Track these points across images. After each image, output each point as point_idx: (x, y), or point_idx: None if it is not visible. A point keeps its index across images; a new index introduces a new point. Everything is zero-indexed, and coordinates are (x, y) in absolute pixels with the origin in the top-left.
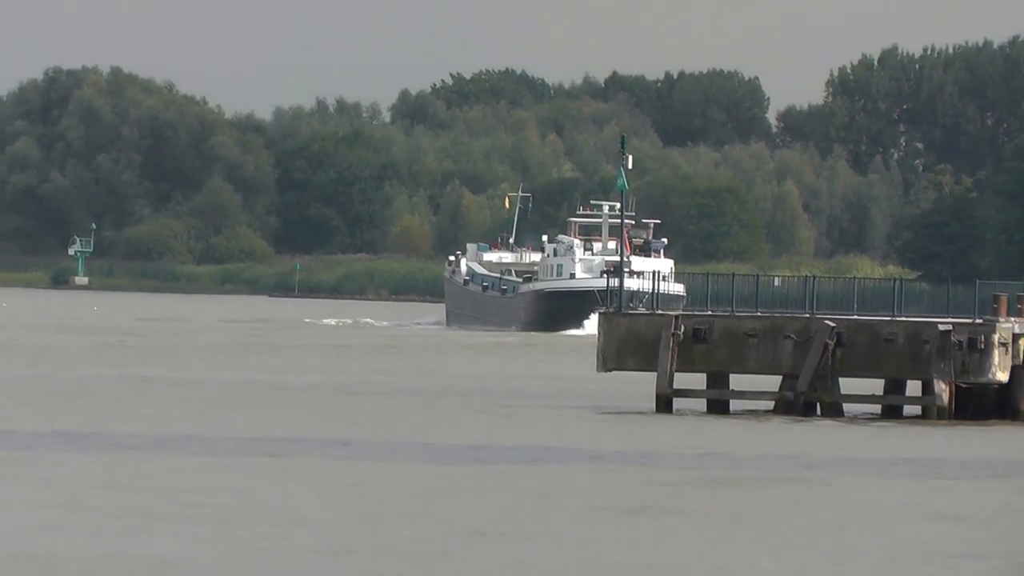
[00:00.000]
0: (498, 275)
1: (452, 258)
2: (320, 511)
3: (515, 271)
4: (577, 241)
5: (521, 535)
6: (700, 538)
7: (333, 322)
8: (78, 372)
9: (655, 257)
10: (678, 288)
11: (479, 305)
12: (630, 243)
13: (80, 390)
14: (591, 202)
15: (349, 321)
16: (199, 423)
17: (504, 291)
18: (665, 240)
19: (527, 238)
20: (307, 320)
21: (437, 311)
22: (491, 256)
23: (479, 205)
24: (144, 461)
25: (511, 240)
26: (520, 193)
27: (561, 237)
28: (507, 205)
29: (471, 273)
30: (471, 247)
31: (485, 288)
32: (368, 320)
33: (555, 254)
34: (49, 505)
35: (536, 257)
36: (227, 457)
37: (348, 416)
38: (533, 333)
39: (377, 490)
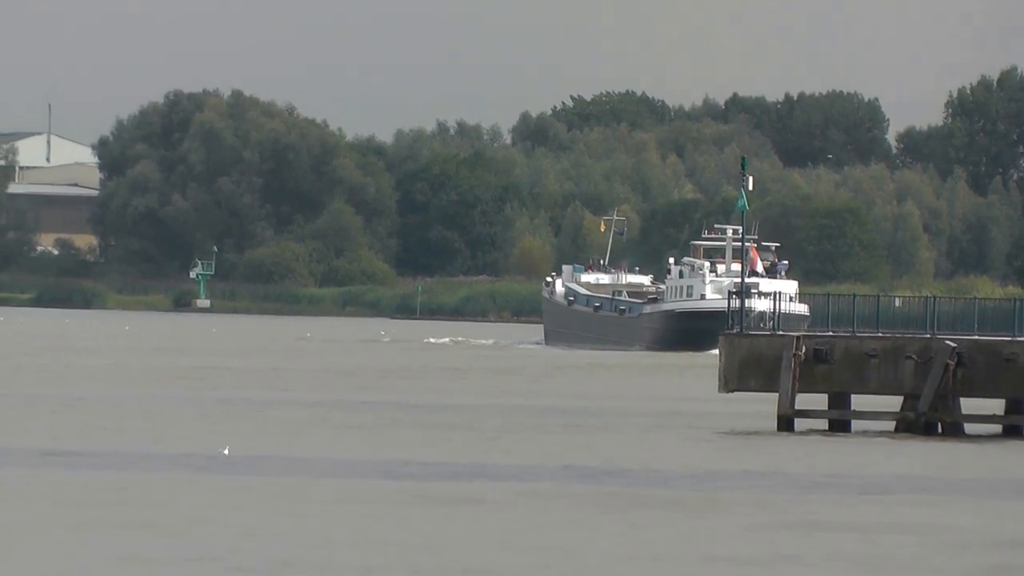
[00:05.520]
0: (608, 295)
1: (548, 279)
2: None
3: (627, 292)
4: (707, 263)
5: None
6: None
7: (448, 341)
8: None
9: (780, 278)
10: (802, 308)
11: (589, 325)
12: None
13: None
14: (715, 225)
15: (458, 339)
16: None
17: (623, 311)
18: (787, 262)
19: (622, 259)
20: (429, 340)
21: (537, 331)
22: (588, 277)
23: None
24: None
25: (603, 262)
26: (615, 216)
27: (686, 259)
28: (602, 228)
29: (573, 293)
30: (567, 268)
31: (597, 308)
32: (461, 339)
33: (681, 275)
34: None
35: (632, 278)
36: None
37: (454, 438)
38: (661, 353)
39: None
